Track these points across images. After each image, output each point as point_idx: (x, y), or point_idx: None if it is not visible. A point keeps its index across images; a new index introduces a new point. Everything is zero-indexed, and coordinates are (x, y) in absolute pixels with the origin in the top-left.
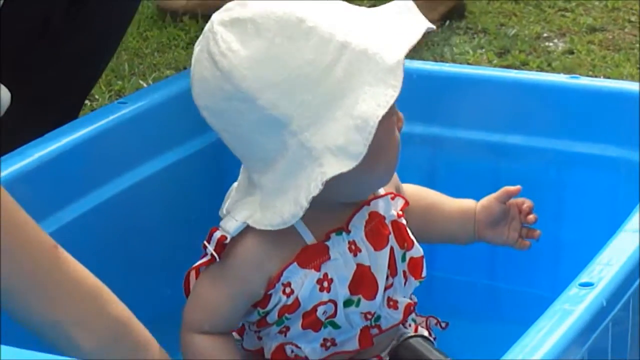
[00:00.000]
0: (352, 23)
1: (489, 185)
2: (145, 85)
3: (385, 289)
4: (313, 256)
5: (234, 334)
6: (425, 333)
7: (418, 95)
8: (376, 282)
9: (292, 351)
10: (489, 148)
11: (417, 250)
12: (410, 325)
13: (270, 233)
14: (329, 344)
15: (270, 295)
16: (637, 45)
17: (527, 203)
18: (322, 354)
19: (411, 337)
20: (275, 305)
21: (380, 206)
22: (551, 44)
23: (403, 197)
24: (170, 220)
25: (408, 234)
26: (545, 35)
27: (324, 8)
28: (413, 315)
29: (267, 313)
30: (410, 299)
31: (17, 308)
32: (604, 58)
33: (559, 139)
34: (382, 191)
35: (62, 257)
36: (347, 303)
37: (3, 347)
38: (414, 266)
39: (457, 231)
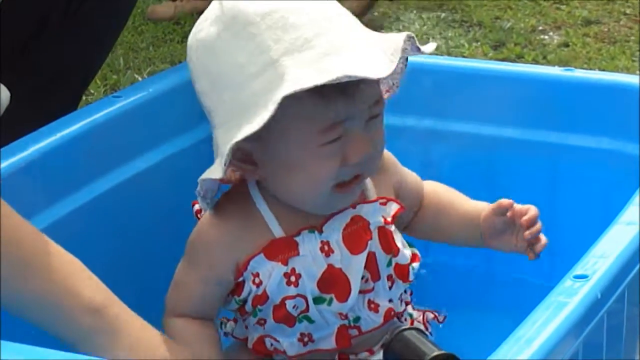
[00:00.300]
0: (309, 41)
1: (483, 178)
2: (140, 79)
3: (366, 292)
4: (280, 250)
5: (230, 322)
6: (422, 327)
7: (412, 88)
8: (349, 285)
9: (272, 344)
10: (484, 141)
11: (403, 257)
12: (405, 320)
13: (240, 222)
14: (306, 339)
15: (243, 283)
16: (633, 37)
17: (528, 215)
18: (300, 349)
19: (405, 329)
20: (248, 295)
21: (365, 211)
22: (546, 36)
23: (398, 203)
24: (165, 213)
25: (394, 241)
26: (540, 28)
27: (297, 16)
28: (410, 309)
29: (244, 302)
30: (400, 298)
31: (11, 292)
32: (599, 51)
33: (554, 131)
34: (372, 196)
35: (49, 242)
36: (318, 300)
37: (3, 342)
38: (401, 271)
39: (466, 238)
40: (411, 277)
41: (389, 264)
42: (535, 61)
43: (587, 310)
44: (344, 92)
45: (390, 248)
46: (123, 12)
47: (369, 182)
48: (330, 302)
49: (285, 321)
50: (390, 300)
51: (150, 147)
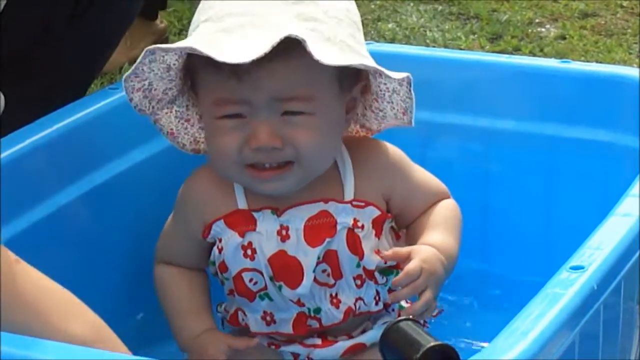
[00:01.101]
0: (228, 15)
1: (480, 170)
2: None
3: (327, 286)
4: (239, 221)
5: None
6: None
7: None
8: (302, 274)
9: (243, 319)
10: (480, 133)
11: (370, 262)
12: (393, 310)
13: (213, 186)
14: (268, 318)
15: (211, 246)
16: (629, 30)
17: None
18: (264, 328)
19: (401, 320)
20: (215, 260)
21: (335, 209)
22: (543, 29)
23: (379, 208)
24: (161, 206)
25: (361, 245)
26: (537, 20)
27: None
28: (403, 302)
29: (215, 268)
30: (376, 299)
31: None
32: (596, 43)
33: (551, 123)
34: (349, 196)
35: (26, 270)
36: (271, 284)
37: (3, 334)
38: (370, 275)
39: None
40: (380, 281)
41: (358, 265)
42: (532, 54)
43: (583, 302)
44: (236, 72)
45: (356, 250)
46: (127, 17)
47: (349, 181)
48: (280, 289)
49: (246, 295)
50: (360, 299)
51: (148, 139)
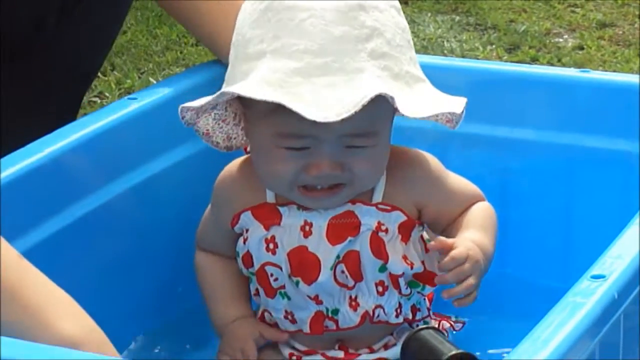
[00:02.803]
0: (300, 52)
1: (498, 180)
2: (155, 82)
3: (346, 288)
4: (265, 214)
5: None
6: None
7: None
8: (319, 270)
9: (270, 320)
10: (499, 143)
11: (395, 267)
12: (417, 326)
13: (246, 178)
14: (290, 317)
15: (238, 237)
16: None
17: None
18: (290, 327)
19: (422, 329)
20: (239, 250)
21: (360, 210)
22: (561, 39)
23: (405, 214)
24: (181, 216)
25: (385, 249)
26: (555, 31)
27: (311, 21)
28: (426, 313)
29: (241, 260)
30: (397, 311)
31: None
32: (614, 54)
33: (569, 133)
34: (378, 199)
35: (30, 270)
36: (289, 281)
37: (3, 339)
38: (395, 281)
39: None
40: (404, 291)
41: (382, 269)
42: (550, 64)
43: (604, 311)
44: None
45: (380, 254)
46: (121, 8)
47: (380, 186)
48: (297, 284)
49: (268, 292)
50: (380, 307)
51: (166, 149)
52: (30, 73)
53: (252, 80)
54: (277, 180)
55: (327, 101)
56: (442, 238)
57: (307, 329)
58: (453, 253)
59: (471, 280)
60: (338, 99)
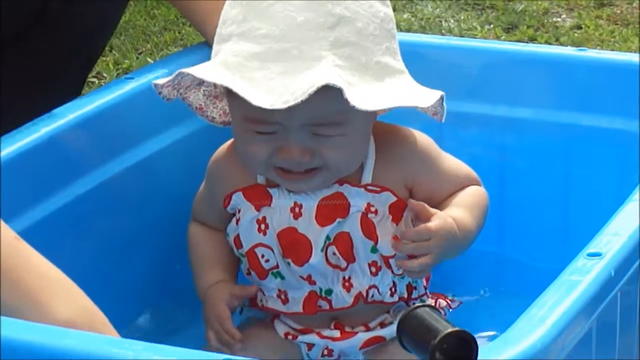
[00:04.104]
0: (264, 37)
1: (496, 159)
2: (152, 62)
3: (339, 269)
4: (256, 195)
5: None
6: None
7: (425, 69)
8: (310, 251)
9: (261, 300)
10: (497, 121)
11: (386, 248)
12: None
13: (237, 161)
14: (283, 297)
15: (231, 217)
16: None
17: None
18: (281, 307)
19: (419, 307)
20: (230, 232)
21: (349, 192)
22: (559, 19)
23: (395, 194)
24: (179, 195)
25: (375, 231)
26: (553, 10)
27: (279, 6)
28: (422, 292)
29: (231, 241)
30: (391, 290)
31: None
32: (612, 33)
33: (567, 112)
34: (366, 180)
35: (27, 250)
36: (281, 262)
37: (3, 319)
38: (387, 262)
39: None
40: (396, 271)
41: (374, 250)
42: (548, 43)
43: (601, 289)
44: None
45: (370, 235)
46: None
47: (369, 166)
48: (289, 265)
49: (259, 273)
50: (374, 287)
51: (163, 129)
52: (32, 57)
53: (212, 62)
54: (252, 161)
55: (278, 88)
56: (426, 206)
57: (300, 309)
58: (421, 227)
59: (427, 259)
60: (288, 86)
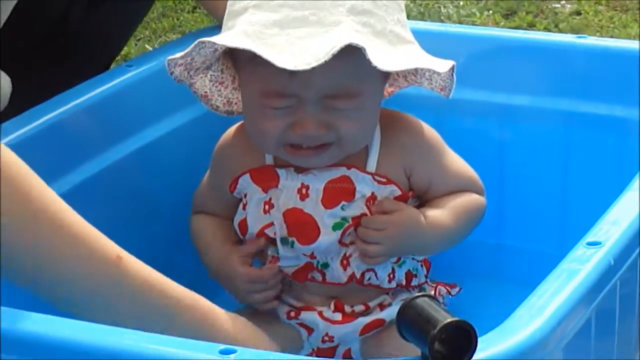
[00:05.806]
0: (280, 5)
1: (494, 145)
2: (151, 49)
3: (346, 245)
4: (264, 177)
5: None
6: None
7: None
8: (318, 231)
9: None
10: (495, 109)
11: None
12: (414, 289)
13: (244, 141)
14: (275, 261)
15: (237, 203)
16: None
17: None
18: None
19: (418, 296)
20: (237, 218)
21: (356, 177)
22: (558, 5)
23: (400, 188)
24: (179, 182)
25: None
26: None
27: None
28: (423, 280)
29: (236, 228)
30: (390, 277)
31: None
32: (612, 19)
33: (566, 99)
34: (371, 168)
35: (56, 198)
36: (284, 241)
37: (3, 309)
38: None
39: None
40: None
41: None
42: (547, 30)
43: (600, 278)
44: (295, 72)
45: None
46: (145, 2)
47: (374, 153)
48: (292, 244)
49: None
50: (372, 271)
51: (163, 116)
52: (53, 64)
53: (230, 32)
54: (264, 138)
55: (300, 51)
56: (393, 201)
57: (289, 273)
58: (377, 217)
59: (376, 248)
60: (309, 48)
